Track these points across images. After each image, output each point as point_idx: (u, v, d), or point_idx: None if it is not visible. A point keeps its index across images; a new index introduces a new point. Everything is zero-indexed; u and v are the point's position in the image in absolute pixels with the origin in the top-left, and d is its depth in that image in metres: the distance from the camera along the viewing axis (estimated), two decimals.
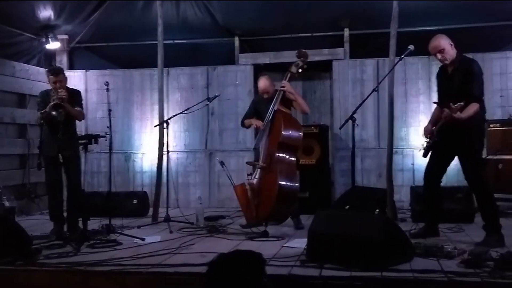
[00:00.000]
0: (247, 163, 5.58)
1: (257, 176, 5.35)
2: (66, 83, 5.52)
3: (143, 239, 5.04)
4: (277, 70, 6.63)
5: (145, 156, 7.88)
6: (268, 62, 7.69)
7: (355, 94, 7.35)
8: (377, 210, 5.72)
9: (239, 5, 7.29)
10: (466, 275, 3.54)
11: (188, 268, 3.92)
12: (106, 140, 5.38)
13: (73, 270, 3.98)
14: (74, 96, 5.56)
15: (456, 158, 4.86)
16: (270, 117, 5.44)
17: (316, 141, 6.98)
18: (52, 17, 7.40)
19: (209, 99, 6.50)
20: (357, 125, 5.16)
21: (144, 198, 6.99)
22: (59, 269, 4.01)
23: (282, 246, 4.66)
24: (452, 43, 4.78)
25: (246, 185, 5.34)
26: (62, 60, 8.15)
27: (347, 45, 7.54)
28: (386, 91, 6.00)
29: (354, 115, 5.05)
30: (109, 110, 5.52)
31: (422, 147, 4.94)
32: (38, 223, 6.22)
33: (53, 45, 7.71)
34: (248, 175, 5.49)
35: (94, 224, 5.48)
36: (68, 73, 6.11)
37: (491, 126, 6.51)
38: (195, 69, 7.92)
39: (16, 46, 7.39)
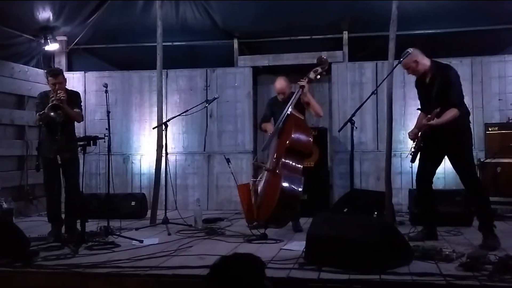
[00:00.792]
0: (254, 163, 5.57)
1: (263, 178, 5.35)
2: (65, 84, 5.52)
3: (141, 241, 5.04)
4: (276, 72, 6.63)
5: (144, 158, 7.87)
6: (267, 65, 7.69)
7: (354, 97, 7.35)
8: (376, 213, 5.73)
9: (239, 7, 7.30)
10: (465, 279, 3.54)
11: (186, 270, 3.91)
12: (104, 141, 5.38)
13: (71, 272, 3.98)
14: (73, 97, 5.55)
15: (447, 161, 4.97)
16: (282, 120, 5.43)
17: (314, 144, 6.90)
18: (51, 18, 7.40)
19: (208, 101, 6.51)
20: (356, 128, 5.15)
21: (142, 200, 6.98)
22: (57, 271, 4.00)
23: (281, 249, 4.65)
24: (417, 58, 4.89)
25: (251, 186, 5.34)
26: (61, 62, 8.14)
27: (346, 48, 7.55)
28: (385, 94, 6.00)
29: (353, 118, 5.05)
30: (108, 112, 5.51)
31: (409, 153, 5.01)
32: (36, 225, 6.21)
33: (52, 46, 7.70)
34: (253, 175, 5.49)
35: (92, 226, 5.47)
36: (67, 75, 6.10)
37: (489, 129, 6.53)
38: (194, 71, 7.92)
39: (15, 47, 7.39)
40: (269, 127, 5.75)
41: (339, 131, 5.58)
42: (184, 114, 6.52)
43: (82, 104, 5.78)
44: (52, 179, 5.44)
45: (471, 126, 4.98)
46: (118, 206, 6.55)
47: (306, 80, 5.48)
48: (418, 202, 5.07)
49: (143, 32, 7.52)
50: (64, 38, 8.09)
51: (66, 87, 5.53)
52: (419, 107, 5.19)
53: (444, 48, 5.42)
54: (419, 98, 5.19)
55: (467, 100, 5.26)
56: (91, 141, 5.19)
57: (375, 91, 5.30)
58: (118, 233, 5.32)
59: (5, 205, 6.23)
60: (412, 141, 5.03)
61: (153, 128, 6.64)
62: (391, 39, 5.84)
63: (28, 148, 7.23)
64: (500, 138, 6.16)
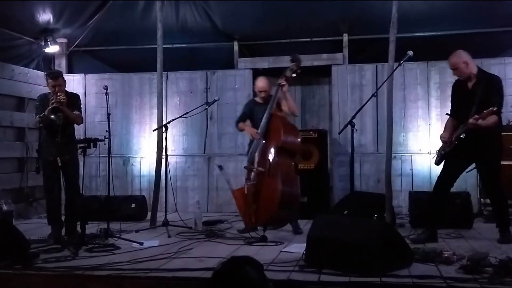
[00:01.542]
0: (245, 167, 5.55)
1: (254, 181, 5.33)
2: (65, 86, 5.52)
3: (141, 244, 5.03)
4: (276, 75, 6.59)
5: (144, 160, 7.87)
6: (267, 67, 7.69)
7: (354, 99, 7.36)
8: (376, 215, 5.72)
9: (239, 9, 7.30)
10: (465, 281, 3.54)
11: (186, 272, 3.91)
12: (104, 144, 5.39)
13: (71, 274, 3.98)
14: (73, 99, 5.55)
15: None
16: (266, 121, 5.44)
17: (314, 146, 6.98)
18: (51, 20, 7.40)
19: (208, 104, 6.51)
20: (356, 130, 5.16)
21: (142, 202, 6.98)
22: (57, 273, 4.00)
23: (281, 251, 4.65)
24: (468, 60, 4.93)
25: (246, 189, 5.33)
26: (61, 64, 8.15)
27: (346, 50, 7.56)
28: (385, 97, 6.00)
29: (353, 120, 5.05)
30: (108, 114, 5.52)
31: (436, 154, 5.03)
32: (36, 227, 6.21)
33: (52, 48, 7.70)
34: (246, 179, 5.47)
35: (92, 228, 5.47)
36: (67, 77, 6.10)
37: None
38: (194, 73, 7.93)
39: (15, 50, 7.39)
40: (248, 129, 5.71)
41: (339, 133, 5.59)
42: (184, 116, 6.53)
43: (82, 106, 5.79)
44: (52, 181, 5.44)
45: None
46: (118, 208, 6.55)
47: (284, 79, 5.51)
48: (432, 204, 5.07)
49: (143, 34, 7.52)
50: (64, 40, 8.09)
51: (66, 89, 5.53)
52: (448, 112, 5.22)
53: (444, 50, 5.42)
54: (453, 102, 5.20)
55: None
56: (92, 143, 5.20)
57: (375, 94, 5.31)
58: (118, 235, 5.31)
59: (5, 207, 6.22)
60: (442, 142, 5.02)
61: (153, 130, 6.63)
62: (391, 41, 5.84)
63: (28, 150, 7.23)
64: None
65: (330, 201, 7.13)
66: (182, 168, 7.81)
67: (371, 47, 7.46)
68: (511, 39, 7.16)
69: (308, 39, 7.72)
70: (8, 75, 7.14)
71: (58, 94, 5.27)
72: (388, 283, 3.56)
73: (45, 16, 7.28)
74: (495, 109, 4.61)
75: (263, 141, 5.45)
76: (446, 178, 5.04)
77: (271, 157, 5.33)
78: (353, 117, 5.08)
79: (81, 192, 5.39)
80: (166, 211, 6.04)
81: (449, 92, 5.37)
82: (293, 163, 5.55)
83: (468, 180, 6.48)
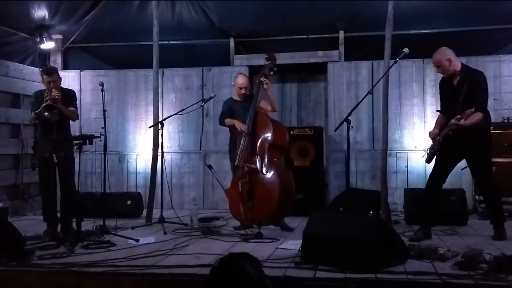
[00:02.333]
0: (236, 165, 5.51)
1: (246, 179, 5.32)
2: (60, 83, 5.50)
3: (137, 240, 5.03)
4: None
5: (139, 157, 7.86)
6: (263, 64, 7.67)
7: (350, 96, 7.37)
8: (371, 212, 5.74)
9: (235, 6, 7.30)
10: (460, 277, 3.55)
11: (182, 269, 3.91)
12: (100, 140, 5.37)
13: (66, 271, 3.97)
14: (69, 96, 5.53)
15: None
16: (252, 118, 5.46)
17: (310, 143, 6.99)
18: (47, 17, 7.38)
19: (204, 100, 6.51)
20: (352, 127, 5.18)
21: (138, 199, 6.97)
22: (53, 270, 3.99)
23: (277, 248, 4.66)
24: (451, 57, 4.92)
25: (240, 187, 5.32)
26: (57, 60, 8.13)
27: (342, 48, 7.57)
28: (381, 94, 6.02)
29: (349, 118, 5.06)
30: (104, 111, 5.51)
31: (426, 152, 5.04)
32: (31, 224, 6.20)
33: (47, 45, 7.68)
34: (238, 177, 5.43)
35: (88, 225, 5.46)
36: (62, 73, 6.08)
37: None
38: (190, 70, 7.92)
39: (11, 46, 7.37)
40: (237, 123, 5.63)
41: (335, 130, 5.60)
42: (180, 113, 6.52)
43: (77, 102, 5.77)
44: (48, 178, 5.42)
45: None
46: (113, 205, 6.54)
47: (264, 76, 5.58)
48: (426, 201, 5.09)
49: (139, 31, 7.51)
50: (60, 36, 8.07)
51: (61, 85, 5.52)
52: (438, 108, 5.25)
53: (440, 48, 5.44)
54: (441, 99, 5.22)
55: None
56: (87, 140, 5.18)
57: (371, 91, 5.33)
58: (113, 232, 5.31)
59: (0, 204, 6.21)
60: (432, 141, 5.06)
61: (149, 127, 6.63)
62: (387, 38, 5.85)
63: (24, 146, 7.22)
64: (495, 138, 6.14)
65: (326, 198, 7.15)
66: (178, 165, 7.81)
67: (367, 45, 7.48)
68: (506, 37, 7.19)
69: (304, 36, 7.72)
70: (4, 71, 7.12)
71: (52, 91, 5.25)
72: (383, 279, 3.58)
73: (41, 12, 7.26)
74: (473, 110, 4.61)
75: (251, 139, 5.44)
76: (437, 176, 5.06)
77: (263, 154, 5.35)
78: (349, 114, 5.09)
79: (76, 189, 5.38)
80: (162, 208, 6.05)
81: None
82: (283, 159, 5.65)
83: (463, 177, 6.51)
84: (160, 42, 6.59)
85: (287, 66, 7.48)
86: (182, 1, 7.37)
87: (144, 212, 6.56)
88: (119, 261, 4.17)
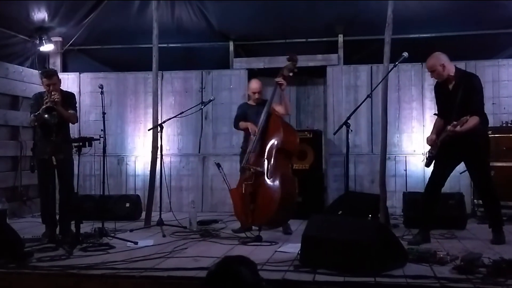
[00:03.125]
0: (243, 167, 5.52)
1: (251, 181, 5.33)
2: (59, 85, 5.50)
3: (136, 243, 5.02)
4: (271, 75, 6.61)
5: (138, 159, 7.86)
6: (263, 67, 7.71)
7: (349, 100, 7.38)
8: (370, 215, 5.75)
9: (234, 9, 7.31)
10: (459, 281, 3.56)
11: (181, 272, 3.91)
12: (99, 143, 5.37)
13: (65, 273, 3.97)
14: (68, 98, 5.53)
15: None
16: (265, 121, 5.43)
17: (309, 146, 7.00)
18: (46, 19, 7.38)
19: (203, 103, 6.52)
20: (351, 130, 5.18)
21: (137, 202, 6.97)
22: (51, 272, 3.98)
23: (276, 251, 4.65)
24: (445, 63, 4.93)
25: (243, 189, 5.33)
26: (56, 63, 8.13)
27: (341, 51, 7.58)
28: (380, 97, 6.03)
29: (348, 121, 5.07)
30: (103, 113, 5.51)
31: (425, 157, 5.07)
32: (30, 226, 6.19)
33: (47, 47, 7.68)
34: (243, 179, 5.45)
35: (86, 227, 5.45)
36: (62, 76, 6.09)
37: None
38: (189, 73, 7.93)
39: (10, 48, 7.36)
40: (250, 125, 5.63)
41: (334, 134, 5.61)
42: (179, 116, 6.53)
43: (77, 105, 5.77)
44: (47, 180, 5.42)
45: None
46: (112, 208, 6.54)
47: (282, 77, 5.53)
48: (424, 205, 5.09)
49: (138, 34, 7.52)
50: (59, 39, 8.07)
51: (61, 88, 5.52)
52: (435, 112, 5.26)
53: (434, 52, 5.47)
54: (438, 103, 5.24)
55: None
56: (86, 142, 5.18)
57: (370, 95, 5.34)
58: (112, 235, 5.30)
59: None
60: (429, 146, 5.08)
61: (148, 130, 6.63)
62: (386, 42, 5.87)
63: (22, 149, 7.21)
64: (494, 142, 6.17)
65: (325, 201, 7.15)
66: (176, 167, 7.80)
67: (366, 48, 7.49)
68: (505, 41, 7.21)
69: (303, 40, 7.74)
70: (3, 74, 7.12)
71: (52, 93, 5.25)
72: (382, 283, 3.58)
73: (40, 15, 7.26)
74: (468, 117, 4.63)
75: (260, 140, 5.44)
76: (436, 180, 5.06)
77: (270, 157, 5.31)
78: (348, 117, 5.10)
79: (75, 191, 5.37)
80: (160, 211, 6.04)
81: None
82: (290, 164, 5.59)
83: (461, 181, 6.52)
84: (159, 45, 6.60)
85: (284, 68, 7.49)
86: (182, 4, 7.38)
87: (143, 214, 6.55)
88: (117, 264, 4.17)
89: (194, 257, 4.39)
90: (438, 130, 5.06)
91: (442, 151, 4.94)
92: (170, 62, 7.63)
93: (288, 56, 5.66)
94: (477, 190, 5.18)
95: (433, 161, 5.04)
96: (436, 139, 5.00)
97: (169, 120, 6.42)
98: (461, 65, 6.96)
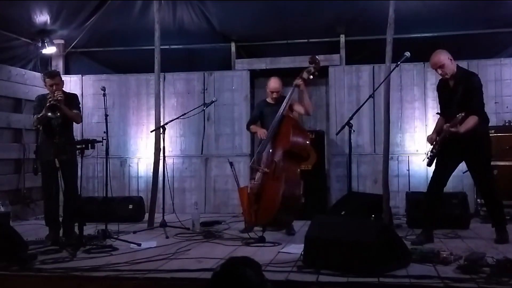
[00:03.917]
0: (251, 166, 5.53)
1: (259, 181, 5.33)
2: (62, 86, 5.52)
3: (139, 245, 5.03)
4: (273, 75, 6.62)
5: (141, 161, 7.87)
6: (265, 68, 7.71)
7: (351, 100, 7.38)
8: (373, 216, 5.73)
9: (236, 10, 7.31)
10: (463, 281, 3.55)
11: (184, 273, 3.91)
12: (102, 145, 5.38)
13: (69, 275, 3.97)
14: (71, 99, 5.54)
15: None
16: (277, 122, 5.42)
17: (312, 147, 6.98)
18: (48, 21, 7.39)
19: (205, 105, 6.52)
20: (353, 131, 5.18)
21: (140, 203, 6.97)
22: (55, 275, 3.99)
23: (279, 252, 4.65)
24: (451, 58, 4.93)
25: (249, 188, 5.33)
26: (58, 65, 8.13)
27: (343, 51, 7.58)
28: (382, 97, 6.02)
29: (350, 121, 5.06)
30: (106, 115, 5.52)
31: (426, 156, 5.06)
32: (33, 228, 6.19)
33: (49, 49, 7.69)
34: (251, 179, 5.47)
35: (90, 229, 5.46)
36: (64, 78, 6.08)
37: None
38: (191, 74, 7.93)
39: (12, 51, 7.38)
40: (259, 130, 5.66)
41: (337, 134, 5.60)
42: (181, 117, 6.53)
43: (80, 105, 5.77)
44: (50, 182, 5.42)
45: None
46: (115, 210, 6.53)
47: (301, 80, 5.49)
48: (427, 205, 5.09)
49: (140, 36, 7.52)
50: (62, 41, 8.08)
51: (63, 89, 5.53)
52: (438, 111, 5.26)
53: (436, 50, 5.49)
54: (440, 102, 5.24)
55: None
56: (89, 145, 5.19)
57: (372, 95, 5.34)
58: (116, 237, 5.31)
59: (2, 209, 6.21)
60: (430, 145, 5.08)
61: (151, 131, 6.64)
62: (388, 42, 5.86)
63: (25, 151, 7.23)
64: (496, 141, 6.17)
65: (328, 201, 7.14)
66: (179, 169, 7.81)
67: (368, 48, 7.49)
68: (507, 40, 7.20)
69: (305, 40, 7.74)
70: (5, 76, 7.14)
71: (55, 92, 5.26)
72: (386, 283, 3.58)
73: (42, 17, 7.27)
74: (463, 114, 4.62)
75: (271, 141, 5.43)
76: (437, 179, 5.06)
77: (277, 159, 5.31)
78: (351, 118, 5.09)
79: (79, 193, 5.38)
80: (163, 212, 6.05)
81: None
82: (298, 168, 5.49)
83: (464, 180, 6.50)
84: (161, 47, 6.61)
85: (288, 70, 7.48)
86: (183, 6, 7.38)
87: (146, 216, 6.56)
88: (121, 266, 4.17)
89: (197, 259, 4.39)
90: (439, 128, 5.05)
91: (443, 151, 4.93)
92: (172, 64, 7.65)
93: (309, 59, 5.60)
94: (479, 189, 5.18)
95: (435, 161, 5.03)
96: (436, 138, 5.00)
97: (172, 122, 6.43)
98: (463, 64, 6.96)
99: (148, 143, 7.51)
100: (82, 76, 8.13)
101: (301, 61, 7.57)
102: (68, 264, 4.30)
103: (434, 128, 5.20)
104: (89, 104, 7.99)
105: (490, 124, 6.67)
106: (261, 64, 7.77)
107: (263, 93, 7.81)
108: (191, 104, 7.40)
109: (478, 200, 6.52)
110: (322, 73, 7.63)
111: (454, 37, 7.17)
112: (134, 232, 5.82)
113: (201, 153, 7.76)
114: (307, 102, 5.62)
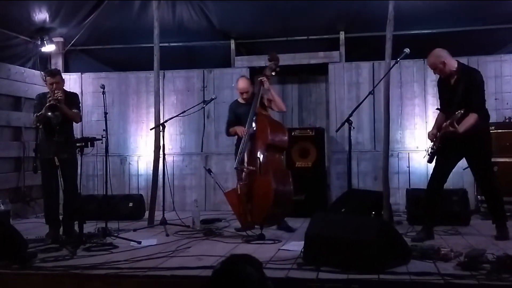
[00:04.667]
0: (236, 168, 5.55)
1: (246, 180, 5.34)
2: (63, 85, 5.52)
3: (139, 242, 5.03)
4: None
5: (141, 159, 7.87)
6: (264, 65, 7.65)
7: (351, 97, 7.37)
8: (373, 213, 5.74)
9: (235, 8, 7.29)
10: (463, 278, 3.55)
11: (184, 271, 3.91)
12: (102, 143, 5.38)
13: (69, 273, 3.97)
14: (72, 98, 5.55)
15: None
16: (253, 120, 5.48)
17: (312, 144, 6.99)
18: (48, 19, 7.38)
19: (205, 102, 6.52)
20: (353, 128, 5.17)
21: (140, 201, 6.98)
22: (55, 273, 3.99)
23: (279, 249, 4.65)
24: (445, 59, 4.92)
25: (239, 190, 5.33)
26: (58, 63, 8.12)
27: (342, 48, 7.56)
28: (382, 94, 6.02)
29: (350, 118, 5.06)
30: (105, 113, 5.51)
31: (426, 153, 5.05)
32: (33, 227, 6.20)
33: (48, 47, 7.68)
34: (238, 180, 5.47)
35: (90, 227, 5.45)
36: (64, 76, 6.06)
37: None
38: (191, 72, 7.92)
39: (11, 49, 7.37)
40: (238, 129, 5.74)
41: (337, 131, 5.59)
42: (181, 115, 6.53)
43: (80, 105, 5.77)
44: (50, 181, 5.43)
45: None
46: (115, 208, 6.53)
47: (265, 77, 5.62)
48: (427, 201, 5.09)
49: (139, 33, 7.50)
50: (61, 39, 8.07)
51: (64, 88, 5.53)
52: (438, 106, 5.26)
53: (441, 48, 5.43)
54: (440, 98, 5.24)
55: None
56: (89, 143, 5.19)
57: (372, 92, 5.33)
58: (116, 235, 5.31)
59: (2, 207, 6.20)
60: (431, 142, 5.07)
61: (151, 129, 6.64)
62: (387, 39, 5.85)
63: (25, 149, 7.22)
64: (497, 138, 6.16)
65: (328, 199, 7.14)
66: (179, 167, 7.81)
67: (368, 45, 7.47)
68: (507, 36, 7.18)
69: (305, 37, 7.72)
70: (5, 75, 7.12)
71: (55, 91, 5.26)
72: (386, 280, 3.58)
73: (41, 15, 7.25)
74: (462, 111, 4.62)
75: (251, 141, 5.48)
76: (438, 176, 5.06)
77: (260, 155, 5.37)
78: (350, 115, 5.09)
79: (79, 191, 5.38)
80: (163, 210, 6.05)
81: None
82: (283, 158, 5.69)
83: (464, 177, 6.50)
84: (161, 44, 6.60)
85: (288, 67, 7.48)
86: (183, 3, 7.36)
87: (146, 214, 6.56)
88: (121, 264, 4.17)
89: (198, 256, 4.40)
90: (439, 125, 5.05)
91: (443, 147, 4.92)
92: (172, 61, 7.63)
93: (269, 57, 5.76)
94: (479, 186, 5.19)
95: (435, 157, 5.03)
96: (437, 133, 4.99)
97: (171, 119, 6.42)
98: (463, 60, 6.91)
99: (148, 141, 7.50)
100: (81, 74, 8.12)
101: (301, 58, 7.61)
102: (68, 262, 4.30)
103: (434, 124, 5.19)
104: (88, 102, 7.98)
105: (490, 121, 6.70)
106: (261, 61, 7.72)
107: None
108: (190, 102, 7.39)
109: (478, 196, 6.52)
110: (322, 70, 7.69)
111: (454, 34, 7.16)
112: (134, 230, 5.82)
113: (201, 151, 7.76)
114: (277, 99, 5.76)
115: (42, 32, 7.53)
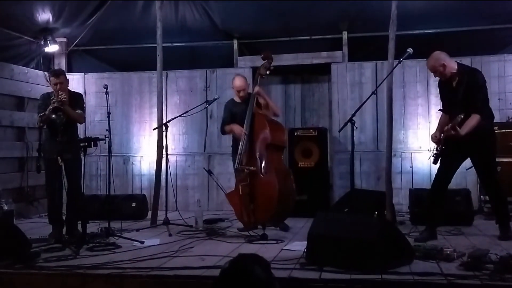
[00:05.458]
0: (236, 169, 5.53)
1: (247, 181, 5.34)
2: (67, 85, 5.53)
3: (142, 242, 5.04)
4: (276, 73, 6.63)
5: (144, 159, 7.88)
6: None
7: (354, 97, 7.36)
8: (376, 213, 5.73)
9: (238, 8, 7.29)
10: (466, 278, 3.54)
11: (187, 271, 3.91)
12: (105, 143, 5.38)
13: (72, 273, 3.98)
14: (76, 99, 5.55)
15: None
16: (250, 120, 5.48)
17: (315, 144, 6.99)
18: (51, 20, 7.39)
19: (208, 102, 6.52)
20: (356, 128, 5.16)
21: (143, 201, 6.99)
22: (58, 272, 4.00)
23: (282, 249, 4.66)
24: (445, 62, 4.91)
25: (240, 191, 5.33)
26: (61, 63, 8.13)
27: (345, 48, 7.55)
28: (385, 94, 6.00)
29: (353, 118, 5.05)
30: (109, 113, 5.52)
31: (431, 154, 5.04)
32: (36, 226, 6.21)
33: (51, 48, 7.69)
34: (239, 181, 5.45)
35: (93, 227, 5.47)
36: (67, 76, 6.09)
37: None
38: (194, 72, 7.93)
39: (15, 49, 7.38)
40: (235, 128, 5.69)
41: (339, 131, 5.60)
42: (184, 115, 6.54)
43: (84, 106, 5.77)
44: (54, 181, 5.43)
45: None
46: (118, 207, 6.55)
47: (259, 79, 5.66)
48: (431, 202, 5.08)
49: (142, 33, 7.51)
50: (64, 39, 8.08)
51: (68, 88, 5.54)
52: (441, 107, 5.24)
53: (444, 47, 5.41)
54: (442, 100, 5.22)
55: None
56: (92, 142, 5.19)
57: (375, 91, 5.32)
58: (119, 234, 5.31)
59: (5, 207, 6.23)
60: (435, 144, 5.06)
61: (154, 129, 6.64)
62: (390, 39, 5.84)
63: (28, 149, 7.23)
64: (500, 138, 6.13)
65: (330, 199, 7.13)
66: (182, 166, 7.81)
67: (371, 45, 7.46)
68: (510, 36, 7.16)
69: (308, 37, 7.72)
70: (8, 75, 7.14)
71: (59, 93, 5.26)
72: (389, 280, 3.57)
73: (45, 16, 7.26)
74: (462, 116, 4.61)
75: (250, 141, 5.46)
76: (442, 176, 5.05)
77: (261, 155, 5.35)
78: (353, 115, 5.07)
79: (82, 191, 5.39)
80: (166, 210, 6.06)
81: None
82: (282, 157, 5.70)
83: (468, 177, 6.49)
84: (163, 44, 6.60)
85: (291, 67, 7.49)
86: (185, 4, 7.37)
87: (149, 214, 6.57)
88: (124, 263, 4.18)
89: (200, 256, 4.40)
90: (442, 126, 5.04)
91: (447, 148, 4.92)
92: (175, 61, 7.64)
93: (263, 55, 5.77)
94: (483, 186, 5.18)
95: (440, 158, 5.02)
96: (440, 135, 4.98)
97: (174, 119, 6.44)
98: (466, 60, 6.97)
99: (151, 141, 7.50)
100: (84, 74, 8.13)
101: (304, 58, 7.60)
102: (71, 262, 4.30)
103: (438, 126, 5.18)
104: (91, 102, 7.99)
105: (493, 121, 6.71)
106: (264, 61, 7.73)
107: (265, 90, 7.83)
108: (193, 102, 7.39)
109: (481, 196, 6.50)
110: (324, 70, 7.68)
111: (456, 34, 7.15)
112: (137, 230, 5.83)
113: (204, 151, 7.76)
114: (272, 104, 5.76)
115: (46, 32, 7.54)
